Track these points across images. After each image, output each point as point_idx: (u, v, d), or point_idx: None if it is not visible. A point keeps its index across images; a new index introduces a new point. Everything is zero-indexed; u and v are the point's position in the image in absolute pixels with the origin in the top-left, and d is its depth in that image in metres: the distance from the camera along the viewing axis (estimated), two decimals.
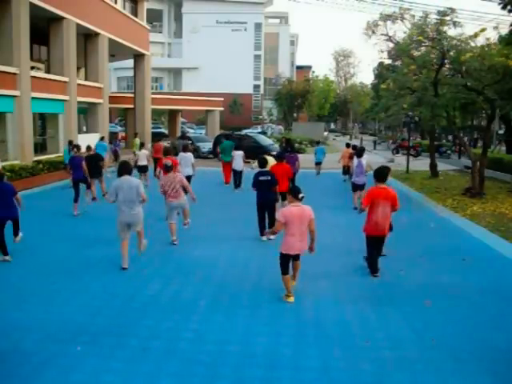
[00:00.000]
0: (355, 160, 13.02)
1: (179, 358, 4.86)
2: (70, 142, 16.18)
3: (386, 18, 22.41)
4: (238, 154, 15.99)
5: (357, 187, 12.76)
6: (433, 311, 6.15)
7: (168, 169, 9.08)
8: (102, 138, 19.89)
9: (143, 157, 16.31)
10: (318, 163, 20.47)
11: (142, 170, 15.87)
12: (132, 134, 28.11)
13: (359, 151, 13.27)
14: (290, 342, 5.26)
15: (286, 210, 6.30)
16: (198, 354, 4.96)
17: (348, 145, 19.56)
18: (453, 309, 6.25)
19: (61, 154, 19.57)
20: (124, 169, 7.54)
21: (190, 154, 13.43)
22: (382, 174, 7.50)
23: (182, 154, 13.19)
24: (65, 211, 12.02)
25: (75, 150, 12.88)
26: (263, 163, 9.94)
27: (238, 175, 15.89)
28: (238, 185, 15.87)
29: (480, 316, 6.05)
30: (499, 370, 4.79)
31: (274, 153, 17.91)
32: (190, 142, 29.32)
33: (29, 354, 4.89)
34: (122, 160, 8.46)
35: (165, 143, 21.71)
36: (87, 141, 18.23)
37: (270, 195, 9.68)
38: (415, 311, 6.14)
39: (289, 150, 16.19)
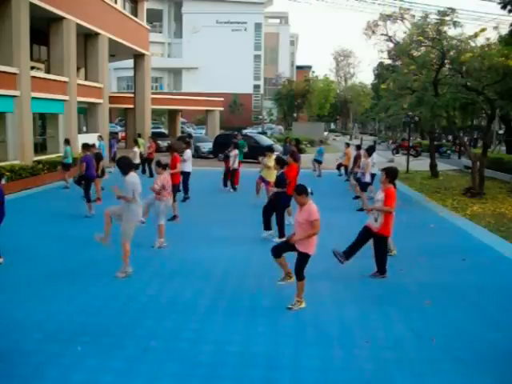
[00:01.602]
0: (369, 159, 13.01)
1: (179, 358, 4.86)
2: (68, 141, 16.23)
3: (385, 18, 22.42)
4: (236, 153, 16.04)
5: (367, 186, 12.86)
6: (433, 311, 6.15)
7: (165, 167, 9.11)
8: (100, 137, 20.00)
9: (137, 155, 16.69)
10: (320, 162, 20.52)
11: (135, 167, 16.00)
12: (132, 134, 28.11)
13: (371, 150, 13.36)
14: (289, 342, 5.26)
15: (316, 208, 6.03)
16: (198, 354, 4.95)
17: (348, 144, 19.59)
18: (453, 309, 6.25)
19: (60, 154, 19.57)
20: (132, 165, 7.48)
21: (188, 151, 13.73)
22: (397, 173, 7.64)
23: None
24: (65, 211, 12.03)
25: (86, 148, 12.28)
26: (285, 164, 9.91)
27: (234, 174, 15.93)
28: (234, 184, 15.94)
29: (480, 316, 6.05)
30: (499, 369, 4.79)
31: (277, 152, 17.97)
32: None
33: (29, 354, 4.88)
34: (122, 156, 8.03)
35: (164, 143, 21.77)
36: (87, 141, 18.23)
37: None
38: (415, 311, 6.14)
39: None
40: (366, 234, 7.43)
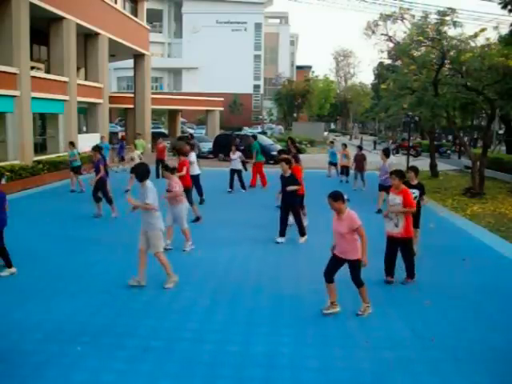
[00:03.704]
0: (388, 161, 12.71)
1: (179, 358, 4.86)
2: (73, 144, 15.92)
3: (386, 18, 22.41)
4: (239, 155, 15.98)
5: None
6: (433, 311, 6.15)
7: (173, 170, 8.85)
8: (102, 138, 19.92)
9: (137, 158, 16.12)
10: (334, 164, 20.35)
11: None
12: (132, 134, 28.03)
13: (388, 152, 13.32)
14: (289, 342, 5.26)
15: (356, 214, 5.80)
16: (198, 354, 4.96)
17: (345, 145, 19.59)
18: (453, 309, 6.25)
19: (61, 154, 19.59)
20: (148, 172, 6.96)
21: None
22: (404, 173, 7.50)
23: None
24: (65, 211, 12.03)
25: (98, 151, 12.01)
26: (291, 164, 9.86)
27: (238, 175, 15.91)
28: (242, 186, 15.88)
29: (480, 316, 6.05)
30: (499, 369, 4.79)
31: (275, 153, 18.04)
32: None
33: (29, 353, 4.89)
34: (141, 162, 8.02)
35: (165, 143, 21.63)
36: (87, 141, 18.27)
37: None
38: (415, 311, 6.14)
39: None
40: (392, 244, 7.14)
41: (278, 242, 9.30)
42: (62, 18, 20.02)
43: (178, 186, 8.49)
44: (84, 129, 25.04)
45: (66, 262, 7.97)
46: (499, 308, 6.33)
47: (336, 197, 5.74)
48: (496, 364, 4.88)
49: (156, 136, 29.99)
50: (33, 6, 17.50)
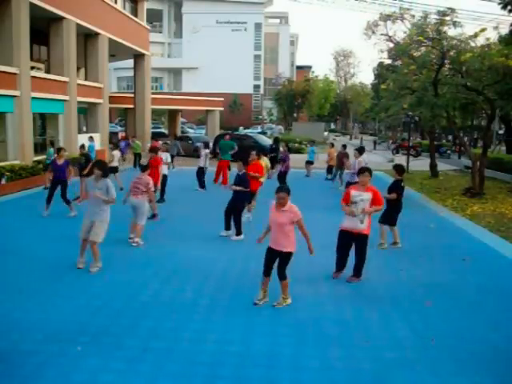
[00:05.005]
0: (360, 159, 13.07)
1: (179, 358, 4.85)
2: (53, 143, 16.08)
3: (386, 17, 22.43)
4: (206, 152, 15.90)
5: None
6: (433, 311, 6.15)
7: (144, 168, 9.42)
8: (90, 138, 19.71)
9: (116, 158, 15.67)
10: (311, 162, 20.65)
11: (114, 170, 14.71)
12: (132, 134, 28.07)
13: (361, 150, 13.52)
14: (289, 342, 5.26)
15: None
16: (198, 353, 4.95)
17: (332, 145, 19.95)
18: (453, 309, 6.25)
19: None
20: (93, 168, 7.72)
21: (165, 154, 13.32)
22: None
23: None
24: (65, 211, 12.01)
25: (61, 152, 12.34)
26: (248, 163, 10.07)
27: (203, 174, 15.77)
28: (202, 184, 15.76)
29: (480, 316, 6.05)
30: (499, 369, 4.79)
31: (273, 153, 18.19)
32: (190, 141, 29.46)
33: (29, 354, 4.88)
34: (101, 159, 8.64)
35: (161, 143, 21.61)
36: (86, 141, 18.25)
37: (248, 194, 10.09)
38: (415, 311, 6.14)
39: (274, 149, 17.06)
40: (350, 240, 7.19)
41: (221, 235, 9.63)
42: (62, 18, 20.02)
43: (150, 183, 9.12)
44: (84, 129, 25.03)
45: (65, 261, 7.96)
46: (499, 308, 6.33)
47: (289, 191, 6.10)
48: (496, 364, 4.88)
49: (156, 136, 30.08)
50: (33, 6, 17.49)
